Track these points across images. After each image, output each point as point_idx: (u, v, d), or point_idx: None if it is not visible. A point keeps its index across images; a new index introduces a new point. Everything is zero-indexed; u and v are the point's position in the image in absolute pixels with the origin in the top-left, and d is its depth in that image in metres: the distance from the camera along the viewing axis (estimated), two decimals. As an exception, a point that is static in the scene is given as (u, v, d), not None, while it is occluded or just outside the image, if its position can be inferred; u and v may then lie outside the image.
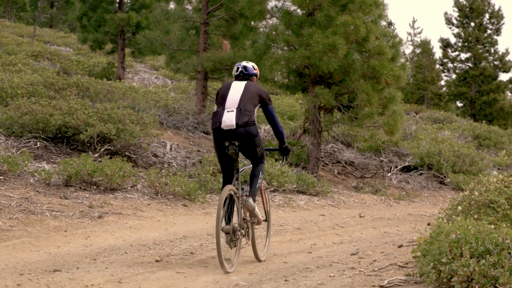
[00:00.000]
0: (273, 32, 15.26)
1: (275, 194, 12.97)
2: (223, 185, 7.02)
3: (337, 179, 16.95)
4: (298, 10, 15.54)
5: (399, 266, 6.15)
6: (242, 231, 6.93)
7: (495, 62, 42.49)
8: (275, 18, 15.81)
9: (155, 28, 18.57)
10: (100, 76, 23.42)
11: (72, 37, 39.60)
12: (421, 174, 18.99)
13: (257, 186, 7.10)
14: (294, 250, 7.99)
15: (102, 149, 12.25)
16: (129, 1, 26.40)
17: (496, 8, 42.98)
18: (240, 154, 7.04)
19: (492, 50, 42.79)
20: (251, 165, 7.30)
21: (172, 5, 18.87)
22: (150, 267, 6.60)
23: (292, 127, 19.30)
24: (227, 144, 6.83)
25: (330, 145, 19.05)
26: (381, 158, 19.51)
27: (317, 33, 14.33)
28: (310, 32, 14.45)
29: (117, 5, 26.12)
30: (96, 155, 12.00)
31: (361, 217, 11.73)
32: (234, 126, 6.72)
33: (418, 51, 48.82)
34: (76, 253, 7.25)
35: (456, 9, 43.26)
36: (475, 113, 41.35)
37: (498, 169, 20.66)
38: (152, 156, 13.58)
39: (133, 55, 27.58)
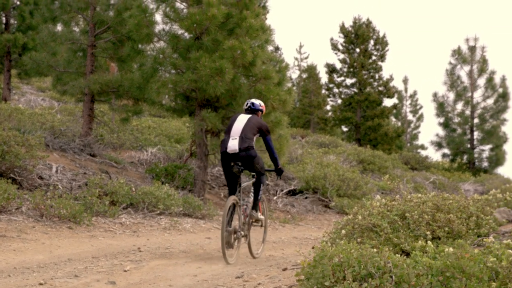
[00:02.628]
0: (161, 56, 15.42)
1: (161, 217, 13.15)
2: (228, 196, 9.08)
3: (223, 202, 16.99)
4: (186, 34, 15.80)
5: (284, 289, 6.26)
6: (242, 232, 8.97)
7: (380, 88, 43.57)
8: (162, 42, 15.97)
9: (42, 50, 18.27)
10: (-15, 98, 22.95)
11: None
12: (306, 197, 19.48)
13: (259, 198, 9.38)
14: (180, 273, 8.01)
15: (-14, 171, 12.09)
16: (15, 22, 25.86)
17: (381, 34, 44.22)
18: (246, 171, 9.31)
19: (377, 76, 43.86)
20: (250, 182, 9.51)
21: (59, 27, 18.67)
22: (34, 290, 6.58)
23: (179, 150, 19.49)
24: (232, 164, 8.92)
25: (216, 169, 19.28)
26: (267, 182, 19.78)
27: (204, 57, 14.61)
28: (197, 56, 14.73)
29: (3, 26, 25.55)
30: (-20, 177, 11.82)
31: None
32: (237, 151, 8.81)
33: (304, 76, 49.43)
34: (-41, 277, 7.13)
35: (342, 35, 44.26)
36: (360, 138, 42.32)
37: (382, 193, 21.42)
38: (38, 178, 13.50)
39: (20, 76, 27.15)
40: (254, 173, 9.30)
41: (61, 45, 17.92)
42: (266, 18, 16.96)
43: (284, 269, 7.64)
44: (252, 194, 9.42)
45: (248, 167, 8.99)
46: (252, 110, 9.43)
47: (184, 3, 16.03)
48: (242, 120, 9.11)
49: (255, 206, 9.37)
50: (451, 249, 5.37)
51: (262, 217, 9.62)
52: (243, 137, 8.87)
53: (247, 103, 9.48)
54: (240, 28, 15.33)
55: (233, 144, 8.84)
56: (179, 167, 16.80)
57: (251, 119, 9.11)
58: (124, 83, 16.30)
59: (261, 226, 9.87)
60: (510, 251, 5.26)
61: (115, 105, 18.17)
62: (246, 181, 9.93)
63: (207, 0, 14.78)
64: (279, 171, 9.69)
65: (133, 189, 13.53)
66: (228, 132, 9.05)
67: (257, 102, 9.54)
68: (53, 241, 9.98)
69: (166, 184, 14.65)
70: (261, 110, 9.59)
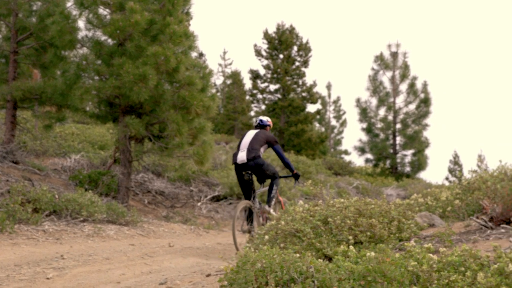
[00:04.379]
0: (84, 62, 15.41)
1: (84, 224, 13.10)
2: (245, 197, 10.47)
3: (147, 209, 17.15)
4: (109, 40, 15.79)
5: (207, 295, 6.34)
6: (254, 231, 9.87)
7: (303, 94, 44.03)
8: (85, 48, 15.92)
9: (-38, 56, 17.97)
10: None
11: None
12: (230, 203, 19.60)
13: (271, 196, 10.49)
14: (103, 280, 8.00)
15: None
16: None
17: (304, 41, 44.66)
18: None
19: (300, 82, 44.29)
20: (265, 188, 10.72)
21: (-20, 34, 18.46)
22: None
23: (102, 157, 19.38)
24: (243, 173, 10.18)
25: (140, 175, 19.34)
26: (191, 188, 19.97)
27: (127, 63, 14.67)
28: (121, 62, 14.76)
29: None
30: None
31: (170, 246, 11.94)
32: (246, 161, 10.12)
33: (229, 82, 49.38)
34: None
35: (265, 41, 44.57)
36: (284, 143, 42.63)
37: (306, 198, 21.87)
38: (-41, 186, 13.21)
39: None
40: (267, 178, 10.54)
41: (-18, 52, 17.67)
42: (189, 25, 17.10)
43: (208, 275, 7.64)
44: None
45: (259, 174, 10.33)
46: (261, 125, 10.91)
47: (107, 10, 16.01)
48: (250, 134, 10.55)
49: (268, 202, 10.49)
50: (372, 253, 5.44)
51: (274, 213, 10.37)
52: (250, 149, 10.23)
53: (257, 120, 10.99)
54: (164, 34, 15.44)
55: (242, 156, 10.20)
56: (103, 174, 16.76)
57: (258, 133, 10.50)
58: (47, 89, 16.14)
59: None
60: (430, 255, 5.36)
61: (38, 112, 17.93)
62: (261, 188, 10.95)
63: (130, 6, 14.76)
64: (296, 176, 10.95)
65: (56, 196, 13.47)
66: (238, 146, 10.47)
67: (265, 118, 11.00)
68: (-26, 250, 9.83)
69: (90, 191, 14.54)
70: (269, 125, 11.03)
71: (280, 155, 10.62)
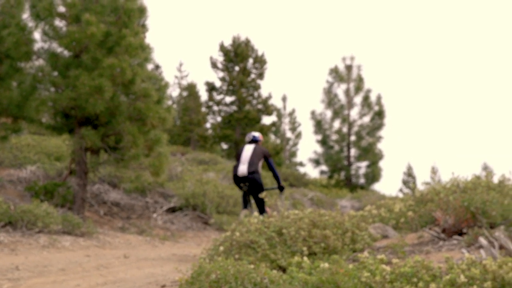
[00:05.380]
0: (40, 73, 15.38)
1: (40, 235, 13.00)
2: (243, 208, 11.51)
3: (103, 220, 17.11)
4: (65, 52, 15.79)
5: (161, 306, 6.28)
6: None
7: (259, 106, 43.98)
8: (42, 60, 15.84)
9: None
10: None
11: None
12: (186, 215, 19.64)
13: (263, 208, 11.24)
14: None
15: None
16: None
17: (260, 53, 44.65)
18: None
19: (256, 94, 44.17)
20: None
21: None
22: None
23: (58, 168, 19.25)
24: (241, 184, 11.25)
25: (96, 186, 19.23)
26: (147, 199, 19.97)
27: (83, 75, 14.72)
28: (77, 74, 14.81)
29: None
30: None
31: (126, 257, 11.85)
32: (246, 174, 11.14)
33: (185, 94, 49.34)
34: None
35: (221, 54, 44.39)
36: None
37: None
38: None
39: None
40: (254, 194, 11.35)
41: None
42: (145, 37, 17.10)
43: (163, 286, 7.73)
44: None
45: (253, 187, 11.24)
46: (254, 141, 11.89)
47: (63, 21, 15.97)
48: (248, 149, 11.56)
49: (261, 213, 11.16)
50: (326, 264, 5.51)
51: None
52: (250, 163, 11.27)
53: (250, 137, 11.96)
54: (120, 46, 15.49)
55: (243, 169, 11.23)
56: (59, 185, 16.68)
57: (256, 148, 11.56)
58: (2, 101, 15.88)
59: None
60: (384, 266, 5.43)
61: (-6, 123, 17.68)
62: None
63: (86, 18, 14.79)
64: (281, 188, 12.01)
65: (12, 207, 13.41)
66: (238, 159, 11.49)
67: (257, 134, 12.03)
68: None
69: (45, 202, 14.46)
70: (261, 140, 12.05)
71: (272, 168, 11.73)
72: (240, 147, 12.26)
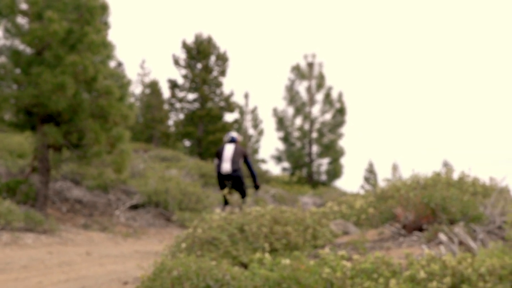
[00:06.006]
0: (2, 71, 15.24)
1: (2, 232, 12.93)
2: (224, 205, 11.91)
3: (65, 217, 17.01)
4: (28, 49, 15.69)
5: (124, 302, 6.33)
6: None
7: (221, 103, 44.12)
8: (4, 57, 15.72)
9: None
10: None
11: None
12: (148, 211, 19.62)
13: (245, 203, 11.31)
14: None
15: None
16: None
17: (222, 51, 44.72)
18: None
19: (218, 91, 44.32)
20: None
21: None
22: None
23: (21, 165, 19.10)
24: (225, 182, 11.86)
25: (59, 183, 19.14)
26: (109, 196, 19.93)
27: (46, 72, 14.68)
28: (39, 71, 14.76)
29: None
30: None
31: (88, 254, 11.89)
32: (230, 172, 11.85)
33: (147, 91, 49.29)
34: None
35: (184, 51, 44.47)
36: (202, 152, 42.56)
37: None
38: None
39: None
40: (239, 190, 12.01)
41: None
42: (107, 34, 17.04)
43: (125, 283, 7.73)
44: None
45: (236, 183, 11.92)
46: (233, 141, 12.51)
47: (25, 19, 15.87)
48: (229, 148, 12.24)
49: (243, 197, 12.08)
50: (287, 261, 5.53)
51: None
52: (233, 161, 11.98)
53: (229, 137, 12.59)
54: (82, 43, 15.46)
55: (227, 167, 11.93)
56: (21, 182, 16.56)
57: (236, 148, 12.27)
58: None
59: None
60: (344, 262, 5.44)
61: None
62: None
63: (48, 15, 14.75)
64: (257, 187, 12.76)
65: (-27, 205, 13.27)
66: (220, 157, 12.14)
67: (235, 134, 12.67)
68: None
69: (8, 199, 14.44)
70: (238, 140, 12.65)
71: (251, 167, 12.48)
72: (219, 147, 12.64)
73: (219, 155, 12.30)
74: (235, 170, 11.97)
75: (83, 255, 11.81)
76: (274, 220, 7.80)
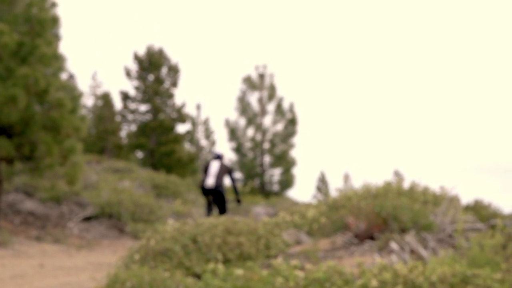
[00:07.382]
0: None
1: None
2: (207, 212, 12.87)
3: (18, 229, 16.83)
4: None
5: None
6: None
7: (173, 114, 44.05)
8: None
9: None
10: None
11: None
12: (101, 223, 19.46)
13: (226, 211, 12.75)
14: None
15: None
16: None
17: (173, 62, 44.79)
18: None
19: (170, 102, 44.26)
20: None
21: None
22: None
23: None
24: (209, 196, 12.75)
25: (11, 196, 18.94)
26: (62, 208, 19.72)
27: None
28: None
29: None
30: None
31: (41, 267, 11.82)
32: (214, 187, 12.65)
33: (99, 103, 48.98)
34: None
35: (135, 62, 44.31)
36: (155, 163, 42.33)
37: (178, 217, 21.65)
38: None
39: None
40: (219, 205, 12.86)
41: None
42: (59, 46, 17.01)
43: None
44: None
45: (218, 198, 12.76)
46: (219, 157, 13.31)
47: None
48: (215, 165, 13.05)
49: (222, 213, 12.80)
50: (240, 271, 5.57)
51: None
52: (217, 177, 12.77)
53: (215, 154, 13.41)
54: (33, 56, 15.36)
55: (211, 182, 12.72)
56: (-29, 196, 16.32)
57: (221, 164, 13.08)
58: None
59: None
60: (297, 271, 5.52)
61: None
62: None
63: None
64: (238, 200, 13.81)
65: None
66: (206, 173, 12.97)
67: (221, 152, 13.45)
68: None
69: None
70: (223, 157, 13.42)
71: (234, 183, 13.35)
72: (206, 162, 13.42)
73: (205, 170, 13.12)
74: (218, 185, 12.73)
75: (36, 268, 11.73)
76: (227, 230, 7.89)
